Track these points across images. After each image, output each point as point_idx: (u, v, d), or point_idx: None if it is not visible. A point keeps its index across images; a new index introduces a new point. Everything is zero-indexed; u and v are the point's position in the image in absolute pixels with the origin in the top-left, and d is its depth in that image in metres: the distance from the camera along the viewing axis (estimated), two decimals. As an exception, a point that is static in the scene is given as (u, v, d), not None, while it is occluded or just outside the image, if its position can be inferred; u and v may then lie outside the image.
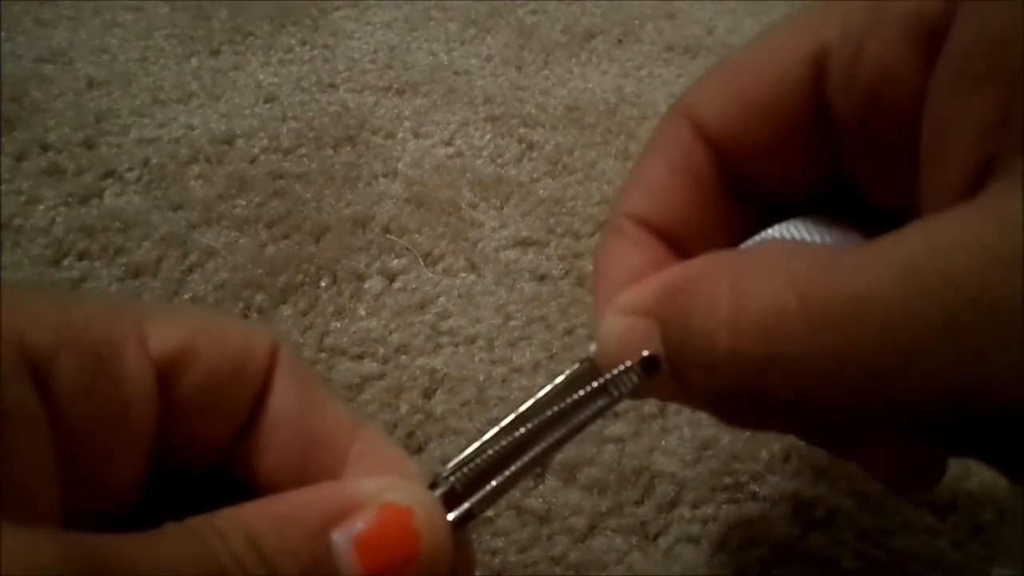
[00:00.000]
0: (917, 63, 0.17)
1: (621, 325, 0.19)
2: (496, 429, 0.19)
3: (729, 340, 0.16)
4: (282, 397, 0.19)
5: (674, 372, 0.18)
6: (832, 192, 0.21)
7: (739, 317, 0.16)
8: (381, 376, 0.33)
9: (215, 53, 0.49)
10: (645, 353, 0.19)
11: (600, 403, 0.19)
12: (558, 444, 0.19)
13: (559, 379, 0.20)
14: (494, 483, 0.18)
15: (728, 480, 0.31)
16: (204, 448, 0.18)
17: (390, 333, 0.34)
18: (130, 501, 0.17)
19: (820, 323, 0.14)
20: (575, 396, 0.19)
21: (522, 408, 0.19)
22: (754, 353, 0.15)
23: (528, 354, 0.34)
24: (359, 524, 0.16)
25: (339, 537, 0.16)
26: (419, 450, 0.30)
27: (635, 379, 0.19)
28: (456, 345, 0.34)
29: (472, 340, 0.34)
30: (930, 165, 0.17)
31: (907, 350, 0.13)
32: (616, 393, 0.19)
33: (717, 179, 0.21)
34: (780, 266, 0.16)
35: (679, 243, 0.21)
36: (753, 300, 0.16)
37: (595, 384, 0.19)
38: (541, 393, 0.19)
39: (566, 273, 0.37)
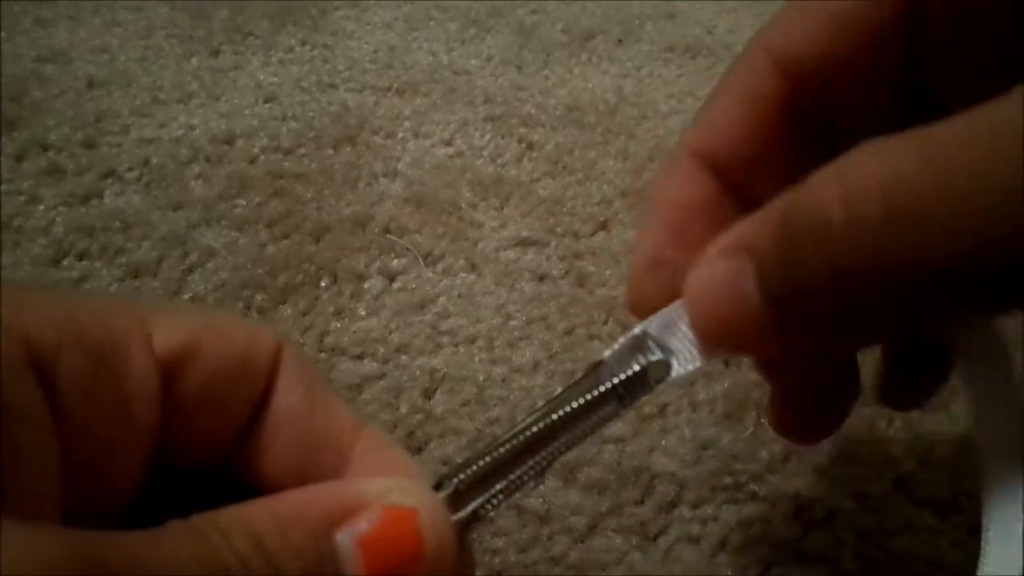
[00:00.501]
0: None
1: (717, 267, 0.18)
2: (506, 435, 0.19)
3: (843, 209, 0.15)
4: (286, 396, 0.19)
5: (784, 283, 0.17)
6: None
7: (849, 188, 0.15)
8: (381, 376, 0.33)
9: (215, 53, 0.49)
10: (655, 357, 0.19)
11: (608, 408, 0.19)
12: (564, 448, 0.19)
13: (574, 386, 0.20)
14: (499, 486, 0.18)
15: (728, 480, 0.31)
16: (207, 446, 0.18)
17: (390, 333, 0.34)
18: (132, 498, 0.17)
19: (942, 171, 0.14)
20: (584, 399, 0.19)
21: (532, 417, 0.19)
22: (872, 215, 0.15)
23: (528, 354, 0.34)
24: (363, 524, 0.16)
25: (343, 537, 0.16)
26: (419, 450, 0.30)
27: (646, 384, 0.19)
28: (456, 345, 0.34)
29: (472, 340, 0.34)
30: None
31: None
32: (625, 396, 0.19)
33: (785, 110, 0.21)
34: (884, 146, 0.15)
35: (736, 179, 0.21)
36: (863, 169, 0.15)
37: (604, 388, 0.19)
38: (556, 397, 0.19)
39: (566, 273, 0.38)
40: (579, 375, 0.20)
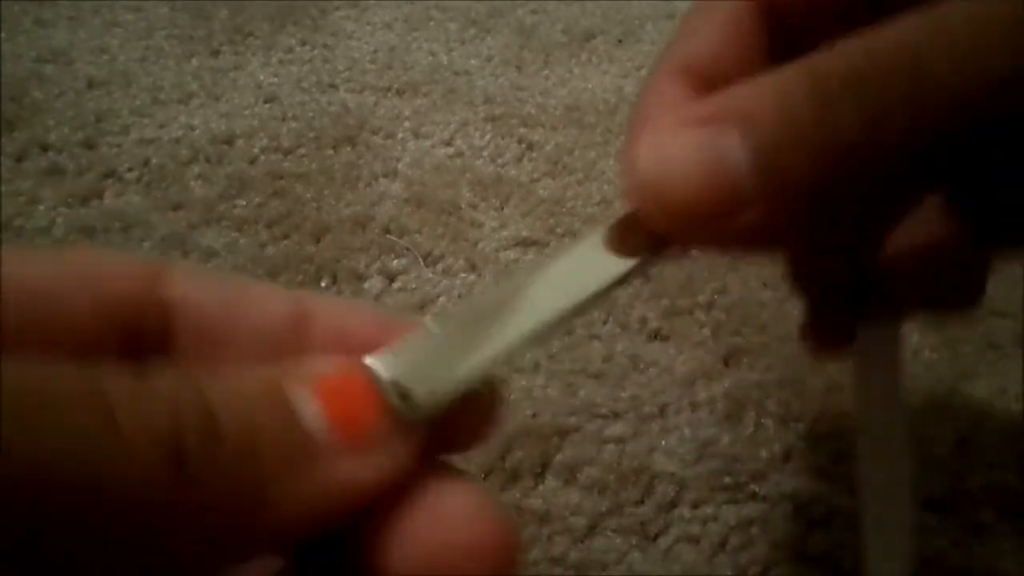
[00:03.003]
0: None
1: (688, 137, 0.16)
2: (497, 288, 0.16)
3: (872, 68, 0.16)
4: (190, 301, 0.15)
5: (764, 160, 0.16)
6: None
7: (872, 48, 0.16)
8: (381, 376, 0.33)
9: (215, 53, 0.49)
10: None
11: (612, 274, 0.16)
12: (559, 318, 0.16)
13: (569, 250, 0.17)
14: (490, 349, 0.15)
15: (728, 480, 0.31)
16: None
17: (390, 333, 0.34)
18: None
19: (948, 41, 0.15)
20: (581, 263, 0.16)
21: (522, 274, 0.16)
22: (903, 67, 0.15)
23: (528, 354, 0.34)
24: (317, 369, 0.14)
25: (294, 383, 0.13)
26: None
27: (647, 255, 0.17)
28: (456, 345, 0.34)
29: (472, 340, 0.34)
30: None
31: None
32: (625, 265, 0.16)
33: (763, 23, 0.21)
34: (901, 20, 0.16)
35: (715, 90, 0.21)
36: (886, 32, 0.16)
37: (605, 257, 0.16)
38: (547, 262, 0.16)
39: (566, 273, 0.38)
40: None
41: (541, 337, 0.15)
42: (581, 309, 0.16)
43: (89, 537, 0.11)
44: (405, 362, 0.14)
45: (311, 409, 0.13)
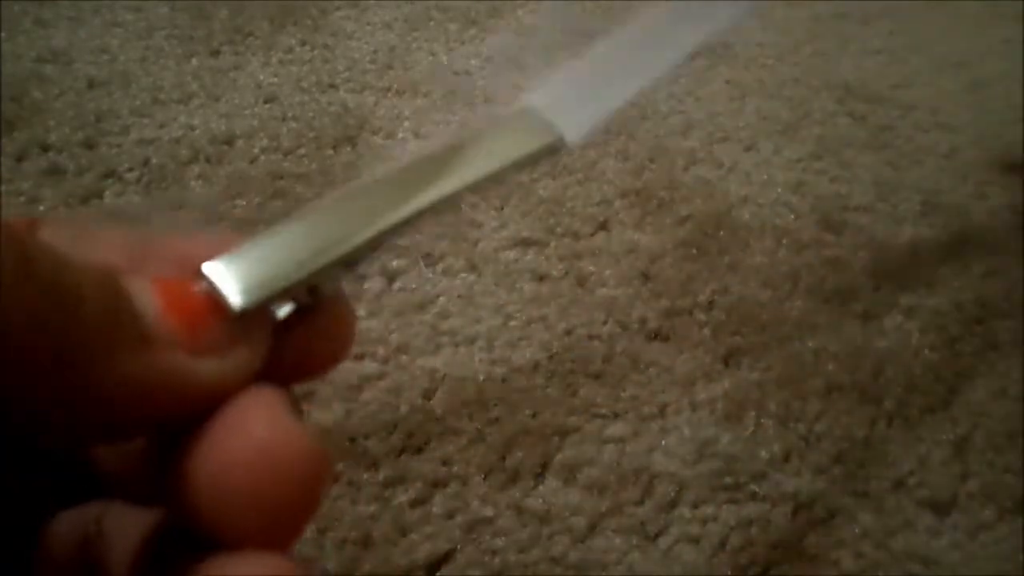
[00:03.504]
0: None
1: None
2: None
3: None
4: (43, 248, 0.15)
5: None
6: None
7: None
8: (381, 376, 0.33)
9: (215, 53, 0.49)
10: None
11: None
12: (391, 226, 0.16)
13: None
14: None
15: (728, 480, 0.31)
16: None
17: (390, 333, 0.34)
18: None
19: None
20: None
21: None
22: None
23: (528, 354, 0.34)
24: (155, 271, 0.13)
25: (132, 278, 0.13)
26: (419, 450, 0.30)
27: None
28: (456, 345, 0.34)
29: (472, 340, 0.34)
30: None
31: None
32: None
33: None
34: None
35: None
36: None
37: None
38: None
39: (566, 273, 0.37)
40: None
41: (373, 242, 0.15)
42: (426, 211, 0.16)
43: None
44: (240, 264, 0.14)
45: (145, 297, 0.13)
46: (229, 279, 0.14)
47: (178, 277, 0.14)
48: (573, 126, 0.17)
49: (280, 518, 0.13)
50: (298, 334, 0.15)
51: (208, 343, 0.14)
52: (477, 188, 0.15)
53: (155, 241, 0.16)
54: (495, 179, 0.16)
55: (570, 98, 0.18)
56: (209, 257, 0.14)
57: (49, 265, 0.12)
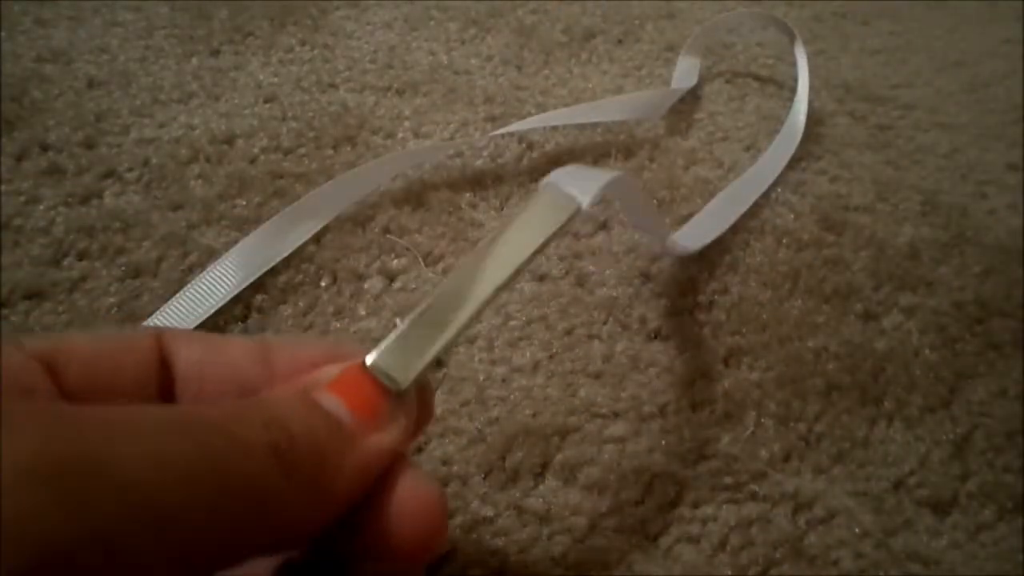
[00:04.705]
0: None
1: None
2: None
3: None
4: (184, 357, 0.20)
5: None
6: None
7: None
8: (381, 376, 0.33)
9: (215, 53, 0.49)
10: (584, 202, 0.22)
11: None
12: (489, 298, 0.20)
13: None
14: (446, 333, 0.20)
15: (728, 480, 0.31)
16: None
17: (390, 333, 0.34)
18: None
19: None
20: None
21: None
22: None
23: (528, 354, 0.34)
24: (326, 374, 0.18)
25: (314, 390, 0.18)
26: (419, 450, 0.30)
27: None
28: (456, 345, 0.34)
29: (472, 340, 0.34)
30: None
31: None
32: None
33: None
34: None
35: None
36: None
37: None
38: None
39: (566, 273, 0.38)
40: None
41: (479, 314, 0.20)
42: (506, 285, 0.21)
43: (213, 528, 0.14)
44: (387, 353, 0.19)
45: (332, 401, 0.17)
46: (389, 366, 0.19)
47: (344, 372, 0.18)
48: (587, 194, 0.22)
49: (437, 539, 0.18)
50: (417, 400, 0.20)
51: (383, 418, 0.18)
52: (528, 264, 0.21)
53: (273, 346, 0.20)
54: (541, 252, 0.21)
55: (580, 170, 0.23)
56: (318, 363, 0.19)
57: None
